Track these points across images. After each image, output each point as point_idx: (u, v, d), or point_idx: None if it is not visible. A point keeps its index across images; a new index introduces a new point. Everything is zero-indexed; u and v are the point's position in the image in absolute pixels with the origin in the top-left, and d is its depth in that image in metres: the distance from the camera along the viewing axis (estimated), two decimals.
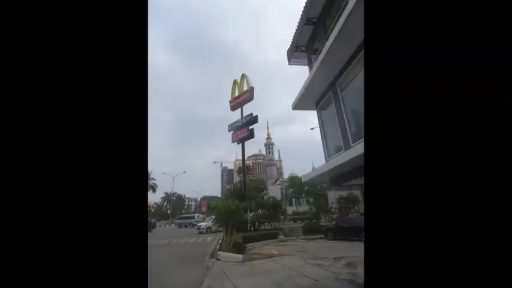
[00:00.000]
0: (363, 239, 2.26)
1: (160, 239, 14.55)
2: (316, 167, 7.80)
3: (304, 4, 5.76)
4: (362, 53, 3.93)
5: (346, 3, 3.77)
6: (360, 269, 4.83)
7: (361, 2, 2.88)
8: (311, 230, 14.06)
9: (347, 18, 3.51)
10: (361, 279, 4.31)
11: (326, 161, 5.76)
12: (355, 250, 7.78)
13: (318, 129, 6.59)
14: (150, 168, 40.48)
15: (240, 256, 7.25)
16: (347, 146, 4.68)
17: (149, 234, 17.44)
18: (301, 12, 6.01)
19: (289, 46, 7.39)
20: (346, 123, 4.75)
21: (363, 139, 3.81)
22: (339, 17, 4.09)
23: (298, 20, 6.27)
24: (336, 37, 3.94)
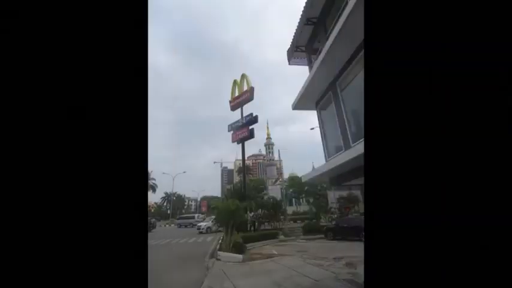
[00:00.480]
0: (363, 239, 2.26)
1: (160, 239, 14.54)
2: (316, 167, 7.80)
3: (304, 4, 5.76)
4: (362, 53, 3.93)
5: (346, 3, 3.77)
6: (360, 269, 4.83)
7: (361, 2, 2.88)
8: (311, 230, 14.05)
9: (347, 18, 3.52)
10: (361, 279, 4.31)
11: (326, 161, 5.76)
12: (355, 250, 7.78)
13: (318, 129, 6.59)
14: (150, 168, 40.50)
15: (240, 256, 7.25)
16: (347, 146, 4.68)
17: (149, 234, 17.44)
18: (301, 12, 6.01)
19: (289, 46, 7.39)
20: (346, 123, 4.75)
21: (363, 139, 3.81)
22: (339, 17, 4.09)
23: (298, 20, 6.28)
24: (336, 37, 3.94)
